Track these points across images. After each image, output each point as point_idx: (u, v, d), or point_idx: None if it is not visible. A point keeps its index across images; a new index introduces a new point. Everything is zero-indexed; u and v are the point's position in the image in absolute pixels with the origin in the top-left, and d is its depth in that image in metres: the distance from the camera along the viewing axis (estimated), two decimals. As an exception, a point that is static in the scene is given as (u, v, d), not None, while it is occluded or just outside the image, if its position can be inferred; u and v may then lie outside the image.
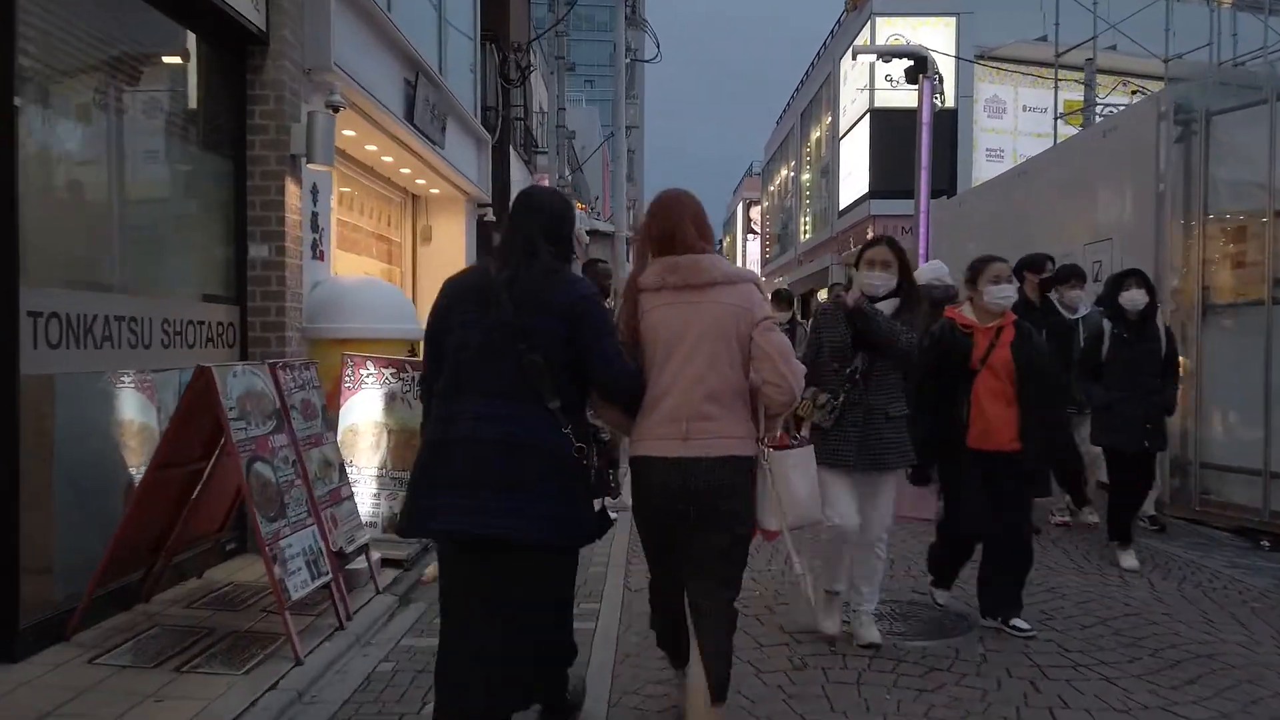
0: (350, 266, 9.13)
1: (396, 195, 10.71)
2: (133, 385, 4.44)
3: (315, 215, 6.29)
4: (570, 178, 16.73)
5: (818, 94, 28.63)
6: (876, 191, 21.74)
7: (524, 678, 2.61)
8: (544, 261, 2.56)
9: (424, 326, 2.71)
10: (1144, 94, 20.06)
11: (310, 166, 5.55)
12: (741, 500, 2.71)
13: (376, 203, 10.23)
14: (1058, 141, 17.17)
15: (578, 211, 15.75)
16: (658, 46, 21.34)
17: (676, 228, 2.76)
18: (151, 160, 4.85)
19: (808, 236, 31.08)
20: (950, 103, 21.87)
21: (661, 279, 2.72)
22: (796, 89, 33.60)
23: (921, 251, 14.54)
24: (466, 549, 2.53)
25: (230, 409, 3.74)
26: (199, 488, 4.25)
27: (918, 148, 14.76)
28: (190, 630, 3.96)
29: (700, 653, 2.71)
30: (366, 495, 5.37)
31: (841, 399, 3.73)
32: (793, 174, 33.81)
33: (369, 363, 5.42)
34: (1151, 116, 7.77)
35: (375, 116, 7.75)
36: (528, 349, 2.46)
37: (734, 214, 53.48)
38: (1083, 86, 20.55)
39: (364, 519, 5.29)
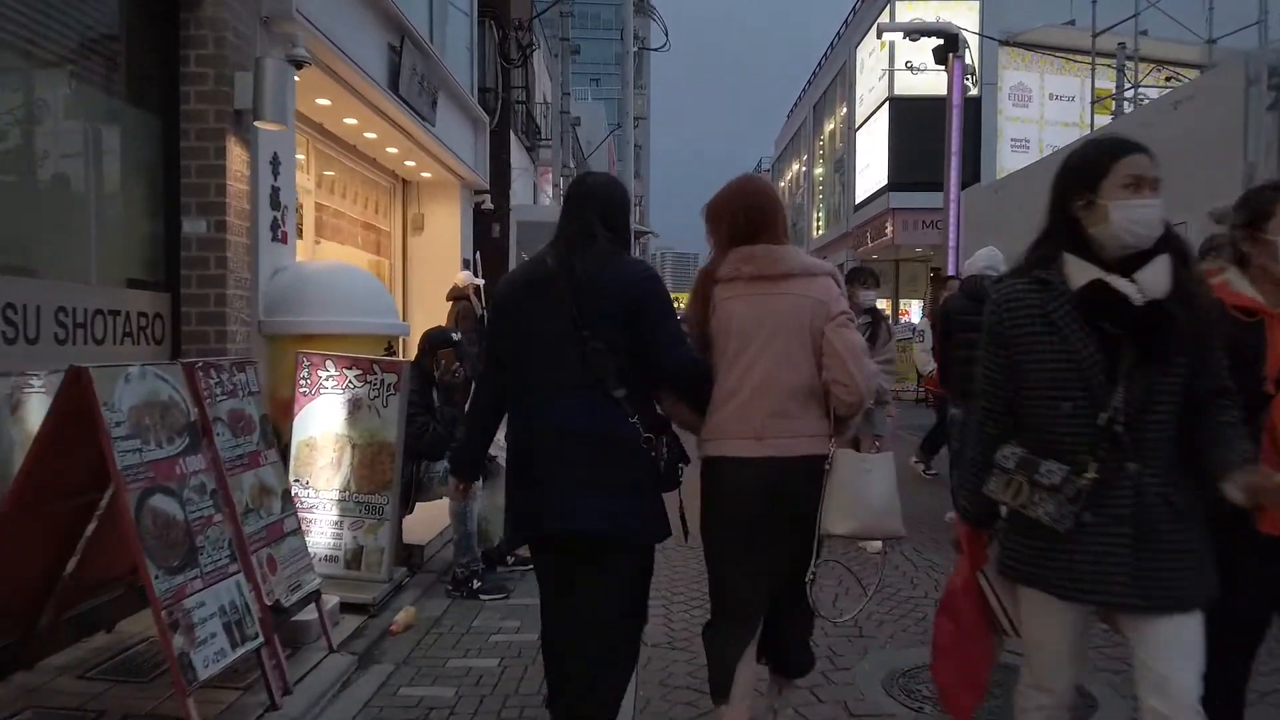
0: (333, 257, 8.21)
1: (385, 179, 9.77)
2: (43, 390, 3.52)
3: (276, 190, 5.34)
4: (574, 168, 15.77)
5: (831, 84, 27.64)
6: (896, 184, 20.77)
7: (618, 681, 2.56)
8: (601, 246, 2.47)
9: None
10: (1181, 81, 19.06)
11: (260, 125, 4.59)
12: (817, 502, 2.52)
13: (362, 187, 9.29)
14: (1094, 129, 16.21)
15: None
16: (666, 35, 20.41)
17: (752, 215, 2.61)
18: (57, 112, 3.91)
19: (821, 233, 30.10)
20: (973, 90, 20.96)
21: (736, 269, 2.56)
22: (809, 81, 32.60)
23: (951, 244, 13.58)
24: (553, 548, 2.55)
25: (116, 424, 2.79)
26: (95, 522, 3.30)
27: (947, 133, 13.79)
28: (72, 714, 3.02)
29: (783, 648, 2.71)
30: (325, 524, 4.42)
31: (1092, 475, 1.93)
32: (804, 169, 32.81)
33: (328, 363, 4.47)
34: (1238, 83, 6.80)
35: (354, 83, 6.81)
36: (590, 336, 2.37)
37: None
38: (1113, 72, 19.58)
39: (321, 554, 4.34)
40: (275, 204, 5.35)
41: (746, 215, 2.60)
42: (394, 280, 10.21)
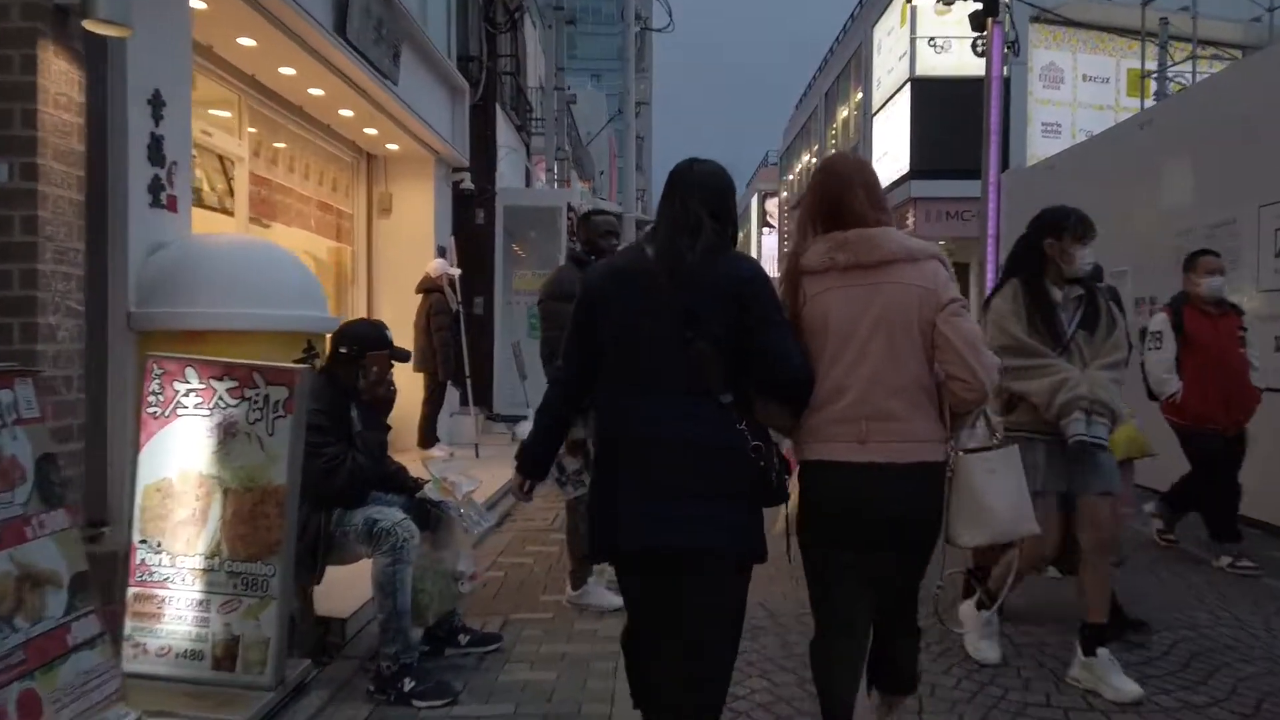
0: (282, 243, 6.83)
1: (345, 152, 8.40)
2: None
3: (158, 140, 3.97)
4: (570, 151, 14.46)
5: (845, 68, 26.23)
6: (919, 171, 19.37)
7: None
8: (708, 238, 2.25)
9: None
10: (1227, 59, 17.68)
11: (92, 28, 3.21)
12: (935, 514, 2.36)
13: (316, 159, 7.90)
14: (1145, 108, 14.84)
15: (579, 188, 13.46)
16: (670, 16, 19.04)
17: (844, 197, 2.38)
18: None
19: (832, 227, 28.63)
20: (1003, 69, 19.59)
21: (828, 258, 2.34)
22: (819, 68, 31.21)
23: (991, 233, 12.21)
24: (644, 567, 2.29)
25: None
26: None
27: (985, 109, 12.40)
28: None
29: (891, 665, 2.52)
30: (185, 605, 3.05)
31: None
32: (815, 160, 31.41)
33: (188, 371, 3.10)
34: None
35: (285, 19, 5.44)
36: (695, 336, 2.17)
37: (748, 207, 50.99)
38: (1149, 52, 18.21)
39: (177, 649, 2.98)
40: (156, 158, 3.97)
41: (834, 195, 2.39)
42: (357, 270, 8.85)
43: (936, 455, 2.31)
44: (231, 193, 6.28)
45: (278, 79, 6.42)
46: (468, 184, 10.04)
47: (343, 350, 3.59)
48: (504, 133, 11.58)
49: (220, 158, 6.14)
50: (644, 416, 2.23)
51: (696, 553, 2.19)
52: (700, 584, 2.21)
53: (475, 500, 3.90)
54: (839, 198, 2.38)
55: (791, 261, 2.44)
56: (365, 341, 3.63)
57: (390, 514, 3.39)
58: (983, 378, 2.26)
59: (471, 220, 10.53)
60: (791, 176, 36.94)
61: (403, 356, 3.80)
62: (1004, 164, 19.59)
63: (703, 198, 2.32)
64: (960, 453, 2.39)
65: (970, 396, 2.28)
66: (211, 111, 6.02)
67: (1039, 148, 19.34)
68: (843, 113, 27.24)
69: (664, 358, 2.21)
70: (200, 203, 5.52)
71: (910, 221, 19.29)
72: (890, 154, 21.26)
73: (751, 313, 2.21)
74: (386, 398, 3.71)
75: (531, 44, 16.04)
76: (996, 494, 2.40)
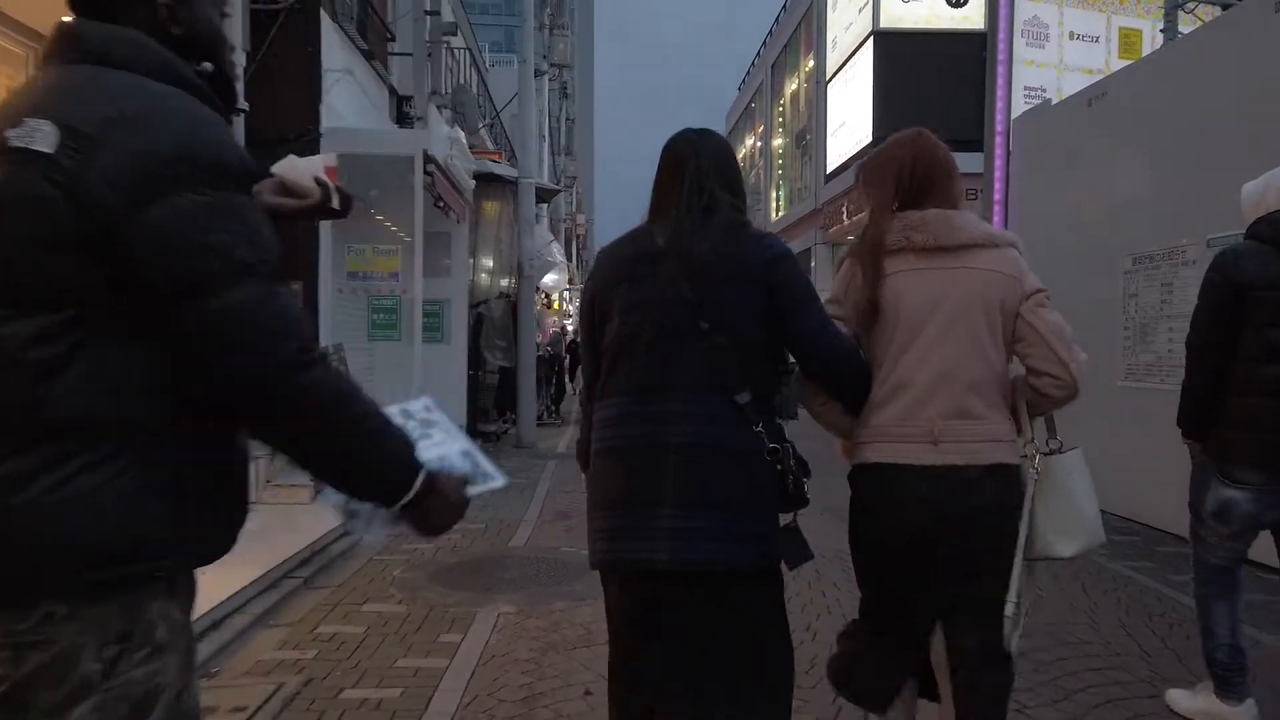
0: None
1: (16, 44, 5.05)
2: None
3: None
4: (450, 95, 11.26)
5: (795, 34, 23.37)
6: (882, 139, 16.42)
7: None
8: (725, 217, 2.06)
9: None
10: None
11: None
12: (1015, 523, 2.14)
13: None
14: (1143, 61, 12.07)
15: (444, 130, 10.10)
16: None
17: (925, 172, 2.20)
18: None
19: (781, 214, 25.79)
20: (978, 23, 16.89)
21: (905, 238, 2.15)
22: (763, 43, 28.34)
23: (997, 198, 9.37)
24: (646, 582, 2.05)
25: None
26: None
27: (990, 56, 9.49)
28: None
29: (976, 704, 2.18)
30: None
31: None
32: (760, 142, 28.51)
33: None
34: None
35: None
36: (711, 328, 1.98)
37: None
38: (1138, 16, 15.67)
39: None
40: None
41: (918, 171, 2.19)
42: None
43: (1013, 457, 2.15)
44: None
45: None
46: (244, 105, 6.70)
47: None
48: (339, 52, 8.29)
49: None
50: (649, 417, 2.01)
51: (705, 568, 1.97)
52: (710, 602, 2.00)
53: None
54: (930, 174, 2.20)
55: (874, 240, 2.18)
56: None
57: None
58: (1075, 373, 2.10)
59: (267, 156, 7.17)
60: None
61: None
62: (978, 131, 16.94)
63: (716, 170, 2.10)
64: (1042, 455, 2.20)
65: (1060, 394, 2.13)
66: None
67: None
68: (791, 85, 24.39)
69: (674, 354, 2.01)
70: None
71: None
72: (848, 124, 18.41)
73: (786, 296, 2.02)
74: None
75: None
76: (1085, 497, 2.22)
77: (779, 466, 2.01)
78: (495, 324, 11.78)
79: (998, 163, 9.40)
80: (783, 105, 25.49)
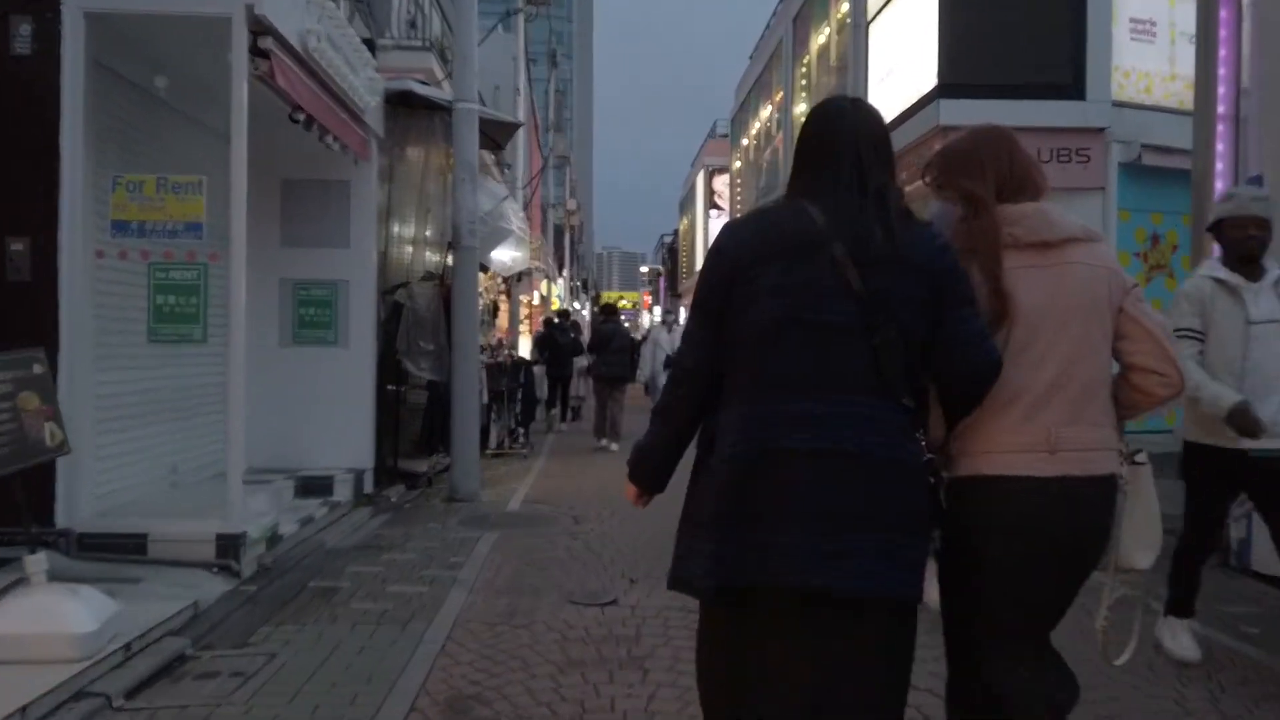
0: None
1: None
2: None
3: None
4: (420, 26, 7.67)
5: (824, -25, 19.61)
6: (951, 86, 12.80)
7: None
8: (890, 201, 1.91)
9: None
10: None
11: None
12: (1108, 535, 2.11)
13: None
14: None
15: (341, 17, 6.33)
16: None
17: (1022, 163, 2.16)
18: None
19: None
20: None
21: (1007, 234, 2.08)
22: None
23: (1220, 152, 5.72)
24: (791, 610, 1.84)
25: None
26: None
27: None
28: None
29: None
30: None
31: None
32: (779, 113, 24.71)
33: None
34: None
35: None
36: (884, 323, 1.82)
37: (693, 188, 44.29)
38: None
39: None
40: None
41: (1013, 166, 2.14)
42: None
43: (1117, 465, 2.09)
44: None
45: None
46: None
47: None
48: None
49: None
50: (801, 421, 1.82)
51: (912, 600, 1.86)
52: (850, 632, 1.83)
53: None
54: (1028, 167, 2.16)
55: (994, 232, 2.08)
56: None
57: None
58: (1180, 370, 2.09)
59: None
60: (746, 141, 30.26)
61: None
62: (1078, 80, 13.34)
63: (875, 149, 1.96)
64: (1130, 462, 2.13)
65: (1167, 393, 2.10)
66: None
67: (1126, 56, 13.08)
68: (818, 38, 20.63)
69: (837, 351, 1.84)
70: None
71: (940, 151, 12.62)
72: (897, 71, 14.69)
73: (948, 290, 1.89)
74: None
75: None
76: (1155, 506, 2.18)
77: (933, 479, 1.92)
78: (420, 318, 8.04)
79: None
80: (807, 64, 21.71)
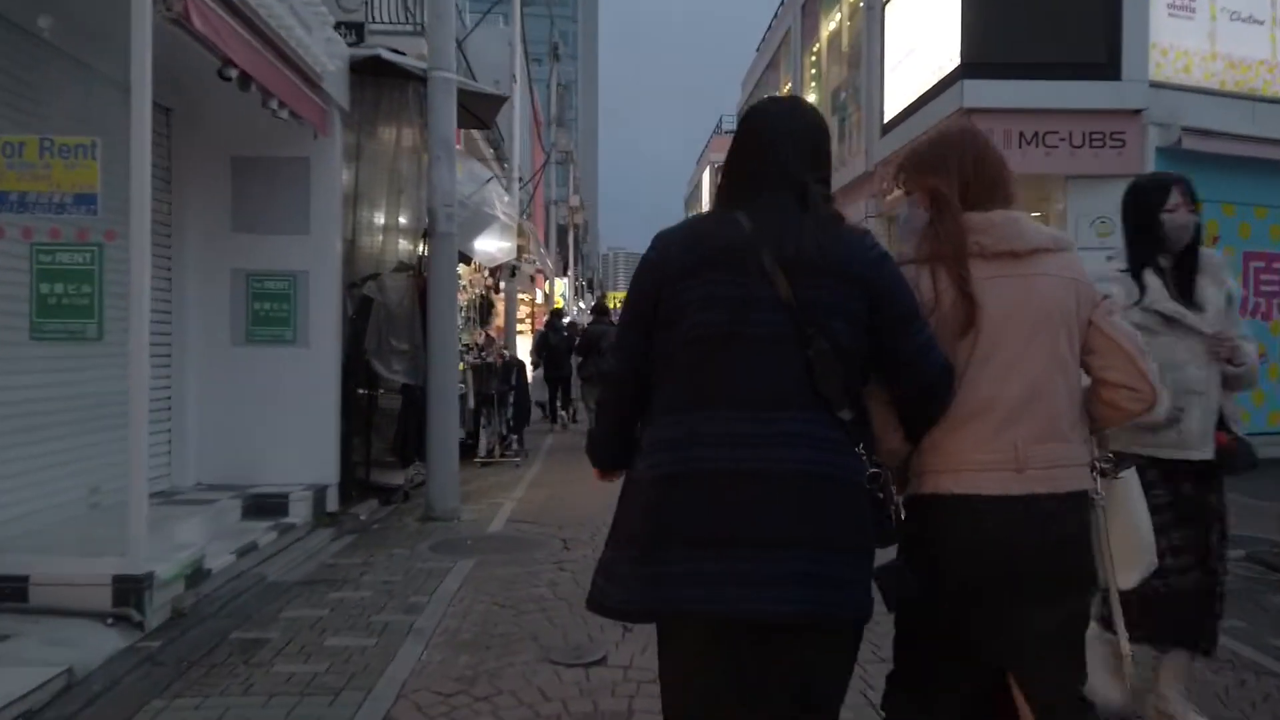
0: None
1: None
2: None
3: None
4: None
5: (836, -45, 18.70)
6: (976, 66, 11.93)
7: None
8: (820, 207, 1.84)
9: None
10: None
11: None
12: (1092, 553, 2.02)
13: None
14: None
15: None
16: None
17: (988, 169, 2.06)
18: None
19: (812, 188, 21.10)
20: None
21: (973, 242, 2.00)
22: (790, -14, 23.64)
23: None
24: (726, 636, 1.77)
25: None
26: None
27: None
28: None
29: None
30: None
31: None
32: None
33: None
34: None
35: None
36: (816, 334, 1.76)
37: (698, 185, 43.45)
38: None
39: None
40: None
41: (980, 167, 2.04)
42: None
43: (1090, 482, 2.00)
44: None
45: None
46: None
47: None
48: None
49: None
50: (733, 437, 1.73)
51: (795, 618, 1.72)
52: (789, 654, 1.77)
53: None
54: (999, 172, 2.06)
55: (957, 235, 1.99)
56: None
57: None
58: (1155, 384, 2.00)
59: None
60: (752, 136, 29.32)
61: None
62: (1114, 62, 12.44)
63: (809, 153, 1.89)
64: (1101, 478, 2.04)
65: (1137, 408, 2.01)
66: None
67: (1164, 34, 12.22)
68: (829, 23, 19.73)
69: (769, 363, 1.77)
70: None
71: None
72: (918, 51, 13.80)
73: (885, 303, 1.82)
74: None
75: None
76: (1145, 519, 2.10)
77: (880, 494, 1.81)
78: (392, 314, 7.15)
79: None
80: (817, 52, 20.81)
